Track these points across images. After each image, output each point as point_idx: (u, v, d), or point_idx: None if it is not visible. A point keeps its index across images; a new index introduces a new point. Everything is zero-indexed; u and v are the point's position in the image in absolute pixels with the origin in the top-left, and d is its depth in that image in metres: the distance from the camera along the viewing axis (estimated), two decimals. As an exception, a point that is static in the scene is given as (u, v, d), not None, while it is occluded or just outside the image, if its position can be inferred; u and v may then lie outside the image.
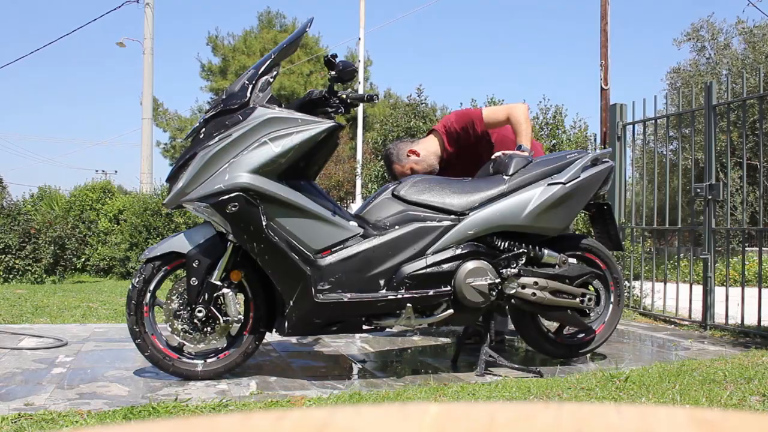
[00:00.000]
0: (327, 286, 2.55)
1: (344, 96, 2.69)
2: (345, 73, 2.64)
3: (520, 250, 2.82)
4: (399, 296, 2.62)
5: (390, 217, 2.75)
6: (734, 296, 4.18)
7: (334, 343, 3.48)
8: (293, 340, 3.47)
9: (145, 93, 13.64)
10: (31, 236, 7.65)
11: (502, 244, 2.82)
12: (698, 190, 4.31)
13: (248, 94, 2.55)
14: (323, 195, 2.69)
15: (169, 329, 2.62)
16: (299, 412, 0.33)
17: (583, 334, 3.09)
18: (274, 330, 2.73)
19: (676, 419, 0.32)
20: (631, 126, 5.03)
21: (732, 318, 4.12)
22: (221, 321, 2.61)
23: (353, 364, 3.06)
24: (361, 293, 2.59)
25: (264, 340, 2.79)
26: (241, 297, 2.70)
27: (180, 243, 2.62)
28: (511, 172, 2.89)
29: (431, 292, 2.66)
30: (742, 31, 15.37)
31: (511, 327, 3.30)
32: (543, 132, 6.20)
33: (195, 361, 2.64)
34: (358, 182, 12.56)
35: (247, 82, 2.58)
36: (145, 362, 2.67)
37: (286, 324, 2.64)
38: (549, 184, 2.86)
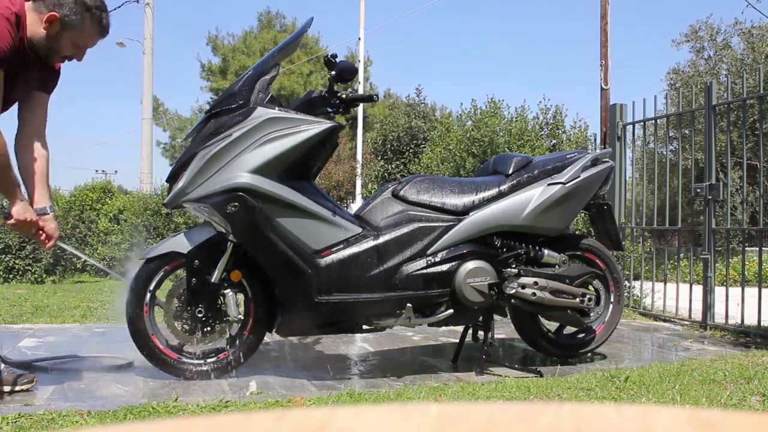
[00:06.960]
0: (327, 286, 2.55)
1: (344, 96, 2.68)
2: (345, 73, 2.64)
3: (520, 250, 2.82)
4: (399, 296, 2.62)
5: (390, 217, 2.75)
6: (734, 296, 4.18)
7: (334, 343, 3.47)
8: (293, 340, 3.47)
9: (145, 93, 13.63)
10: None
11: (502, 244, 2.82)
12: (698, 190, 4.31)
13: (248, 94, 2.55)
14: (323, 195, 2.69)
15: (169, 329, 2.62)
16: (299, 412, 0.33)
17: (583, 334, 3.09)
18: (274, 330, 2.73)
19: (676, 419, 0.32)
20: (631, 126, 5.03)
21: (732, 318, 4.11)
22: (221, 321, 2.61)
23: (353, 364, 3.05)
24: (361, 293, 2.58)
25: (264, 340, 2.79)
26: (241, 297, 2.70)
27: (180, 243, 2.62)
28: (510, 171, 2.89)
29: (431, 292, 2.66)
30: (740, 32, 15.36)
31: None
32: (543, 132, 6.20)
33: (195, 361, 2.64)
34: (358, 182, 12.57)
35: (247, 82, 2.58)
36: (144, 362, 2.67)
37: (286, 324, 2.64)
38: (549, 184, 2.86)
